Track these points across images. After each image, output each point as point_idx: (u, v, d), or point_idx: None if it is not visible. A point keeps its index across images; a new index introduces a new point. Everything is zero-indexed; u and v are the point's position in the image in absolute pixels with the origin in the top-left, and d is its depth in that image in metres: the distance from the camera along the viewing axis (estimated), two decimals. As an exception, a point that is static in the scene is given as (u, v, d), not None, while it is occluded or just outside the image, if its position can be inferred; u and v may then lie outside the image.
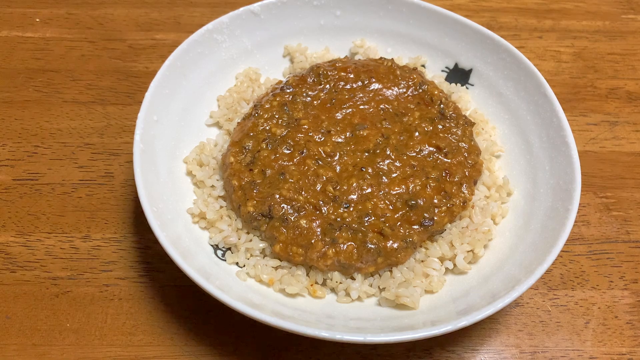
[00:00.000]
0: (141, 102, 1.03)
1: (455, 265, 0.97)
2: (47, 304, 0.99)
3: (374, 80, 1.14)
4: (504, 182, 1.06)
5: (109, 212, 1.10)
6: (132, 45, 1.39)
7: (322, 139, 1.05)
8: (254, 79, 1.23)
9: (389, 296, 0.92)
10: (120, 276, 1.02)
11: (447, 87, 1.21)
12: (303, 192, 0.99)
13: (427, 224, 0.96)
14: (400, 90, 1.14)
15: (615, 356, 0.96)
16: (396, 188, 0.99)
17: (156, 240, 0.88)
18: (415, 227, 0.96)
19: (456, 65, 1.24)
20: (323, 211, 0.97)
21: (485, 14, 1.51)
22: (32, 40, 1.39)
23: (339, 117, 1.10)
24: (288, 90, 1.13)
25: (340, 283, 0.95)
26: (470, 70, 1.23)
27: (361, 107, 1.11)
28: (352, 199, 0.98)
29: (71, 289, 1.00)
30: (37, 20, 1.44)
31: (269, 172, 1.01)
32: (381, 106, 1.11)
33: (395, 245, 0.93)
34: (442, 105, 1.11)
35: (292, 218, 0.96)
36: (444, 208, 0.98)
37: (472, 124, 1.11)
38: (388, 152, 1.03)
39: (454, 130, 1.08)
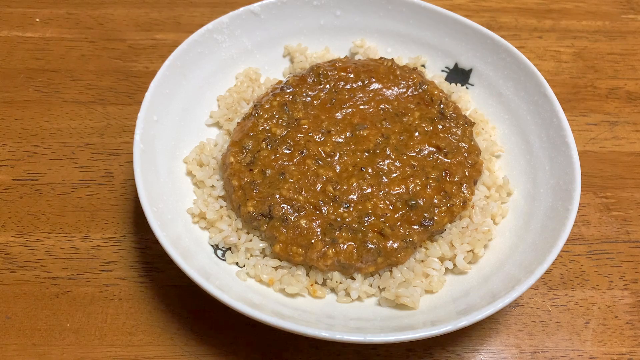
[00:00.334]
0: (141, 102, 1.03)
1: (455, 265, 0.97)
2: (47, 304, 0.99)
3: (374, 80, 1.14)
4: (504, 182, 1.06)
5: (109, 212, 1.10)
6: (132, 45, 1.39)
7: (322, 139, 1.05)
8: (254, 79, 1.23)
9: (389, 296, 0.92)
10: (120, 276, 1.02)
11: (447, 87, 1.21)
12: (303, 192, 0.99)
13: (427, 224, 0.96)
14: (400, 90, 1.14)
15: (615, 356, 0.96)
16: (396, 188, 0.99)
17: (156, 240, 0.88)
18: (415, 227, 0.96)
19: (456, 65, 1.24)
20: (323, 211, 0.97)
21: (485, 14, 1.51)
22: (32, 40, 1.39)
23: (339, 117, 1.09)
24: (288, 90, 1.13)
25: (340, 283, 0.95)
26: (470, 70, 1.23)
27: (361, 107, 1.11)
28: (352, 199, 0.98)
29: (71, 289, 1.00)
30: (37, 20, 1.44)
31: (269, 172, 1.01)
32: (381, 106, 1.11)
33: (395, 245, 0.93)
34: (442, 105, 1.11)
35: (292, 218, 0.96)
36: (444, 208, 0.98)
37: (472, 124, 1.11)
38: (388, 152, 1.03)
39: (454, 130, 1.08)
